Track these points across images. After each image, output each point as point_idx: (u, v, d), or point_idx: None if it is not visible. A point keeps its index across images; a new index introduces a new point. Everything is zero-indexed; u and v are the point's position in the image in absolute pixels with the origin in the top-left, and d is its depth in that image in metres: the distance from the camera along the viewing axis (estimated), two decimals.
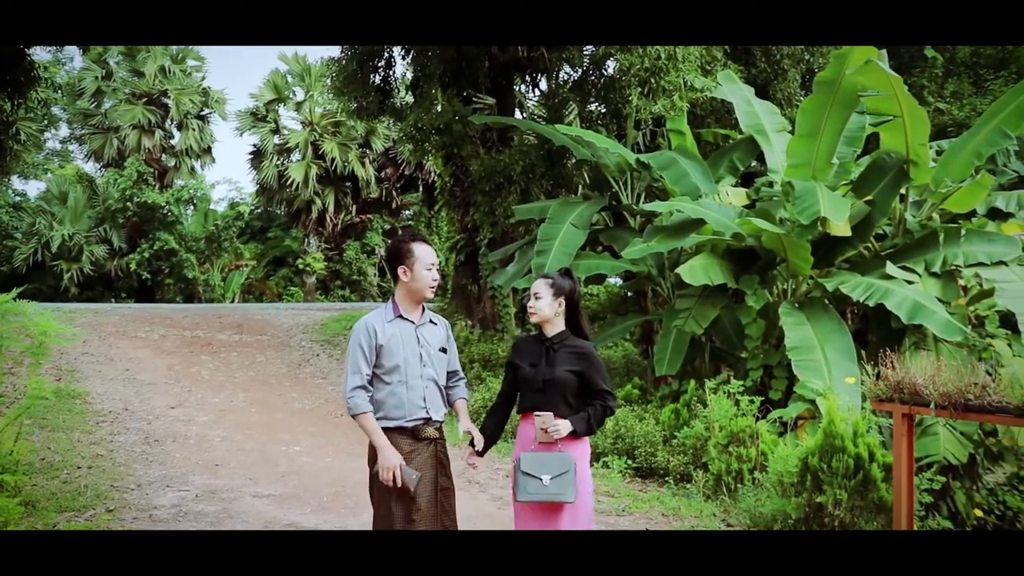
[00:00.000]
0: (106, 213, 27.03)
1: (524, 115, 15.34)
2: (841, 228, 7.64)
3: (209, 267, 28.51)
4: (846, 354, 7.08)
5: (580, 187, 12.28)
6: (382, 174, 28.58)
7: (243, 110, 28.71)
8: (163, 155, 29.09)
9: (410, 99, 14.63)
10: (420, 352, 3.66)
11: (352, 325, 3.73)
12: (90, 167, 30.36)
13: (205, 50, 30.51)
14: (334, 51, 15.28)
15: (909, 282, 7.38)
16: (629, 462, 7.67)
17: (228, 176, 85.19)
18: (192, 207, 29.29)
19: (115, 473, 6.96)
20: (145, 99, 28.09)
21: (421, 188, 27.33)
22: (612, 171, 10.45)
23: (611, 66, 12.21)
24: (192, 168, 29.81)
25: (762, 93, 11.86)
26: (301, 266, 29.00)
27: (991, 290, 7.31)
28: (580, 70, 13.32)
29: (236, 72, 62.12)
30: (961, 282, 7.75)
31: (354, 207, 29.36)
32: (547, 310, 3.78)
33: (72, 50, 29.94)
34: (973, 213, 8.59)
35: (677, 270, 8.07)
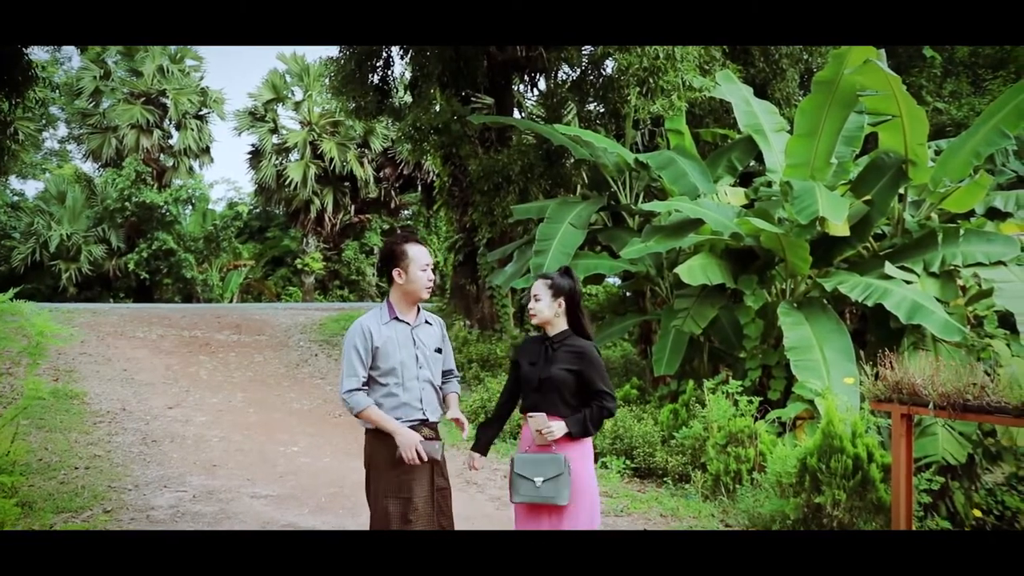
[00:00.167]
0: (104, 213, 27.00)
1: (523, 115, 15.33)
2: (840, 228, 7.64)
3: (207, 267, 28.49)
4: (845, 354, 7.08)
5: (579, 187, 12.27)
6: (381, 174, 28.57)
7: (241, 110, 28.72)
8: (161, 155, 29.06)
9: (408, 99, 14.63)
10: (416, 354, 3.65)
11: (350, 325, 3.71)
12: (88, 167, 30.39)
13: (203, 50, 30.53)
14: (332, 51, 15.32)
15: (908, 282, 7.38)
16: (627, 462, 7.66)
17: (226, 176, 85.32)
18: (190, 207, 29.27)
19: (112, 474, 6.95)
20: (143, 99, 28.06)
21: (420, 188, 27.33)
22: (611, 171, 10.45)
23: (610, 66, 12.21)
24: (190, 168, 29.79)
25: (760, 93, 11.86)
26: (299, 266, 28.99)
27: (990, 290, 7.31)
28: (579, 70, 13.32)
29: (234, 72, 62.17)
30: (960, 282, 7.75)
31: (353, 207, 29.36)
32: (546, 311, 3.77)
33: (70, 50, 29.99)
34: (972, 213, 8.59)
35: (675, 270, 8.06)
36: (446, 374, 3.84)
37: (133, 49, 28.00)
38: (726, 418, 6.91)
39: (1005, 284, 7.19)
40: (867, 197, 8.14)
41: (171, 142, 29.22)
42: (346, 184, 28.82)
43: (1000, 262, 7.42)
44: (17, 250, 26.02)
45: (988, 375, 4.13)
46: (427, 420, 3.66)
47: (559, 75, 14.05)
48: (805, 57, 13.82)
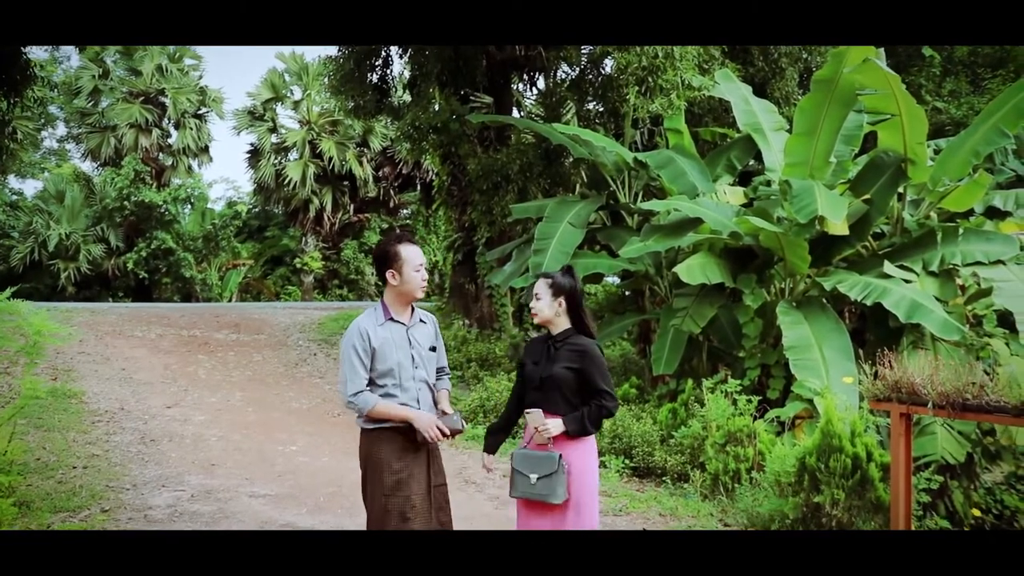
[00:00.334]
0: (103, 212, 26.98)
1: (522, 114, 15.32)
2: (839, 227, 7.63)
3: (206, 266, 28.48)
4: (844, 353, 7.07)
5: (577, 186, 12.27)
6: (380, 173, 28.55)
7: (240, 109, 28.71)
8: (160, 154, 29.03)
9: (407, 98, 14.63)
10: (412, 354, 3.65)
11: (349, 324, 3.70)
12: (87, 166, 30.35)
13: (202, 49, 30.49)
14: (331, 50, 15.29)
15: (907, 281, 7.37)
16: (626, 461, 7.65)
17: (225, 175, 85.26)
18: (189, 206, 29.25)
19: (110, 473, 6.94)
20: (142, 98, 28.03)
21: (419, 187, 27.30)
22: (610, 170, 10.44)
23: (609, 65, 12.20)
24: (189, 167, 29.75)
25: (760, 92, 11.85)
26: (299, 265, 28.97)
27: (989, 289, 7.30)
28: (578, 69, 13.32)
29: (233, 71, 62.11)
30: (959, 281, 7.75)
31: (352, 206, 29.35)
32: (547, 310, 3.76)
33: (69, 49, 29.92)
34: (971, 212, 8.58)
35: (675, 269, 8.05)
36: (438, 371, 3.84)
37: (132, 48, 27.96)
38: (725, 417, 6.90)
39: (1004, 283, 7.19)
40: (866, 196, 8.13)
41: (170, 141, 29.19)
42: (345, 183, 28.81)
43: (999, 261, 7.41)
44: (16, 249, 25.99)
45: (987, 374, 4.12)
46: None
47: (558, 74, 14.05)
48: (804, 56, 13.81)
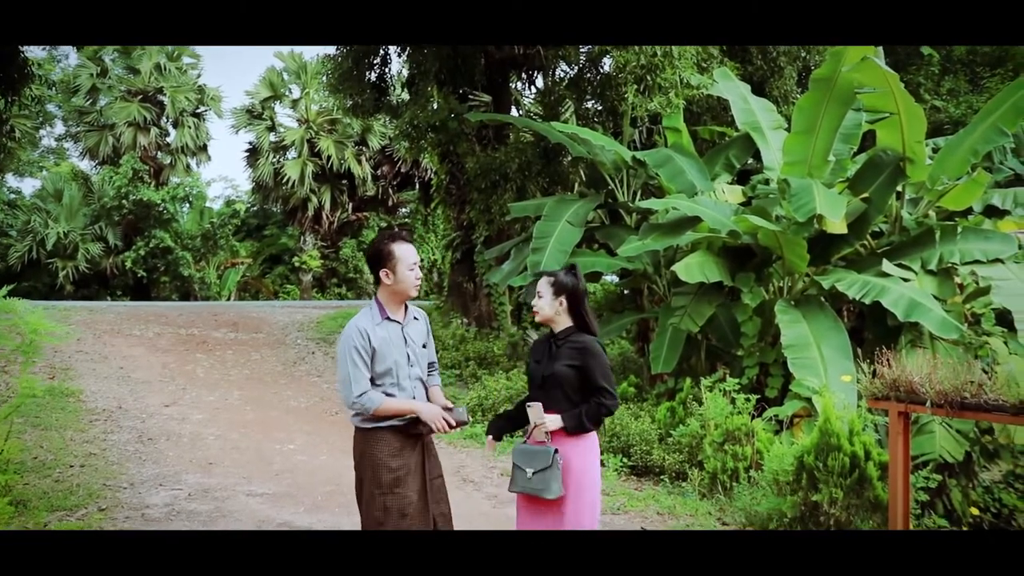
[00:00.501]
0: (101, 211, 26.95)
1: (520, 112, 15.30)
2: (837, 225, 7.62)
3: (205, 265, 28.45)
4: (842, 352, 7.07)
5: (576, 184, 12.25)
6: (378, 172, 28.54)
7: (239, 107, 28.69)
8: (159, 152, 29.00)
9: (406, 96, 14.61)
10: (408, 352, 3.66)
11: (346, 325, 3.69)
12: (85, 164, 30.33)
13: (201, 48, 30.46)
14: (330, 48, 15.26)
15: (905, 280, 7.36)
16: (625, 460, 7.65)
17: (224, 174, 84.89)
18: (188, 205, 29.23)
19: (108, 472, 6.92)
20: (140, 96, 28.00)
21: (417, 186, 27.28)
22: (608, 168, 10.43)
23: (607, 63, 12.18)
24: (188, 166, 29.73)
25: (758, 90, 11.84)
26: (297, 264, 28.95)
27: (987, 288, 7.29)
28: (576, 67, 13.30)
29: (232, 69, 62.06)
30: (957, 280, 7.74)
31: (350, 205, 29.33)
32: (548, 309, 3.76)
33: (67, 47, 29.89)
34: (969, 211, 8.57)
35: (673, 268, 8.04)
36: (429, 366, 3.85)
37: (130, 47, 27.93)
38: (723, 416, 6.90)
39: (1003, 282, 7.18)
40: (865, 195, 8.12)
41: (168, 140, 29.16)
42: (344, 182, 28.79)
43: (998, 260, 7.40)
44: (14, 248, 25.96)
45: (985, 373, 4.11)
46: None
47: (557, 73, 14.04)
48: (803, 55, 13.81)
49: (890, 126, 7.94)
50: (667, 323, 8.36)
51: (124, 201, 26.50)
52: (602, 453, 7.61)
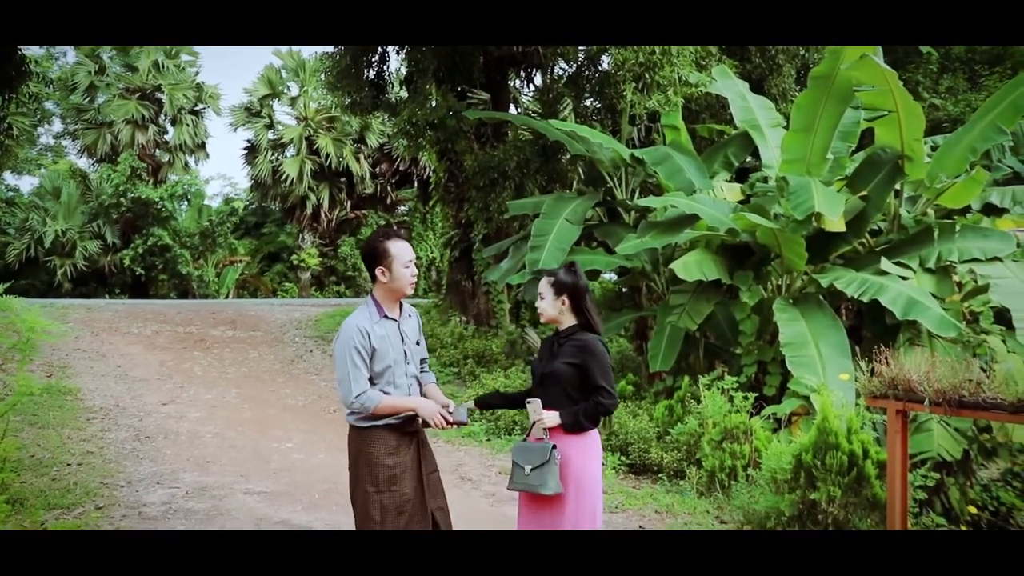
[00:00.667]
0: (99, 209, 26.92)
1: (519, 110, 15.28)
2: (836, 224, 7.61)
3: (203, 263, 28.42)
4: (840, 350, 7.06)
5: (574, 182, 12.24)
6: (377, 170, 28.52)
7: (237, 105, 28.70)
8: (157, 150, 28.97)
9: (404, 94, 14.59)
10: (404, 350, 3.65)
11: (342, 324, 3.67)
12: (83, 162, 30.30)
13: (199, 46, 30.40)
14: (328, 46, 15.25)
15: (904, 278, 7.36)
16: (623, 458, 7.64)
17: (222, 172, 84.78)
18: (186, 203, 29.19)
19: (105, 470, 6.91)
20: (138, 94, 27.96)
21: (416, 184, 27.28)
22: (606, 166, 10.41)
23: (606, 61, 12.16)
24: (186, 163, 29.70)
25: (757, 88, 11.84)
26: (296, 262, 28.94)
27: (986, 286, 7.29)
28: (575, 65, 13.28)
29: (230, 67, 61.98)
30: (956, 278, 7.74)
31: (349, 203, 29.30)
32: (551, 309, 3.76)
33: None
34: (968, 209, 8.57)
35: (671, 266, 8.03)
36: (420, 362, 3.84)
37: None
38: (721, 414, 6.89)
39: (1001, 280, 7.17)
40: (863, 193, 8.12)
41: (166, 138, 29.13)
42: (342, 180, 28.77)
43: (996, 258, 7.40)
44: (12, 246, 25.93)
45: (984, 371, 4.10)
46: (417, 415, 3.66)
47: (555, 71, 14.02)
48: (802, 53, 13.80)
49: (889, 124, 7.93)
50: (665, 321, 8.35)
51: (122, 199, 26.47)
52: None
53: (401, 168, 27.33)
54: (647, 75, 10.34)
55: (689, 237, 8.42)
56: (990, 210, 8.60)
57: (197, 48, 30.03)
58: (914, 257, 7.72)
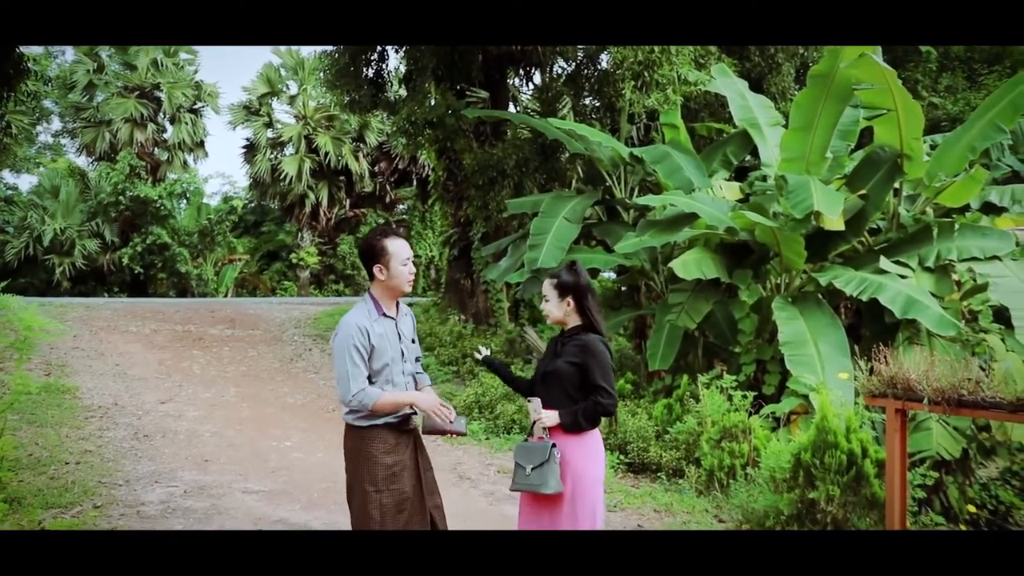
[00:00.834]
0: (98, 207, 26.88)
1: (518, 109, 15.29)
2: (835, 222, 7.61)
3: (202, 261, 28.39)
4: (839, 349, 7.06)
5: (573, 181, 12.23)
6: (376, 168, 28.49)
7: (236, 104, 28.63)
8: (155, 149, 28.93)
9: (403, 92, 14.58)
10: (401, 348, 3.65)
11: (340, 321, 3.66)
12: (82, 161, 30.24)
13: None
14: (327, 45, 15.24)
15: (903, 277, 7.35)
16: (621, 457, 7.64)
17: (221, 170, 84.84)
18: (185, 201, 29.15)
19: (103, 469, 6.90)
20: (137, 92, 27.92)
21: (415, 182, 27.26)
22: (605, 165, 10.41)
23: (605, 60, 12.16)
24: (185, 162, 29.65)
25: (756, 87, 11.84)
26: (295, 260, 28.92)
27: (985, 285, 7.29)
28: (574, 64, 13.27)
29: (229, 65, 61.91)
30: (955, 277, 7.73)
31: (348, 201, 29.28)
32: (556, 311, 3.76)
33: None
34: (967, 208, 8.57)
35: (670, 264, 8.03)
36: (415, 361, 3.83)
37: None
38: (720, 413, 6.89)
39: (1000, 279, 7.17)
40: (862, 191, 8.11)
41: (165, 136, 29.09)
42: (341, 178, 28.74)
43: (995, 257, 7.39)
44: (10, 244, 25.89)
45: (983, 370, 4.10)
46: (414, 412, 3.69)
47: (554, 69, 14.01)
48: (801, 51, 13.80)
49: (888, 123, 7.93)
50: (664, 320, 8.35)
51: (121, 197, 26.44)
52: None
53: (400, 167, 27.31)
54: (646, 73, 10.33)
55: (688, 236, 8.42)
56: (989, 209, 8.59)
57: (196, 47, 30.03)
58: (913, 256, 7.72)
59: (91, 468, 6.89)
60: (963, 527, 6.25)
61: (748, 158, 10.89)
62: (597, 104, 12.75)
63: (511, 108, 14.74)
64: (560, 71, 13.97)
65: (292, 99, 28.72)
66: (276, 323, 15.62)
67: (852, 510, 5.29)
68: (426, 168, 22.99)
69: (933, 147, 8.74)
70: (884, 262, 7.50)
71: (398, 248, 3.59)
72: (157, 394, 9.95)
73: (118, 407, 9.18)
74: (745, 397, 6.95)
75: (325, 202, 28.33)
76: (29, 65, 14.12)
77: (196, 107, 29.50)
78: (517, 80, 15.17)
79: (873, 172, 8.12)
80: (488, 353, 4.15)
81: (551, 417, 3.59)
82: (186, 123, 28.71)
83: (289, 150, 28.13)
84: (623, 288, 10.84)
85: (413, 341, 3.77)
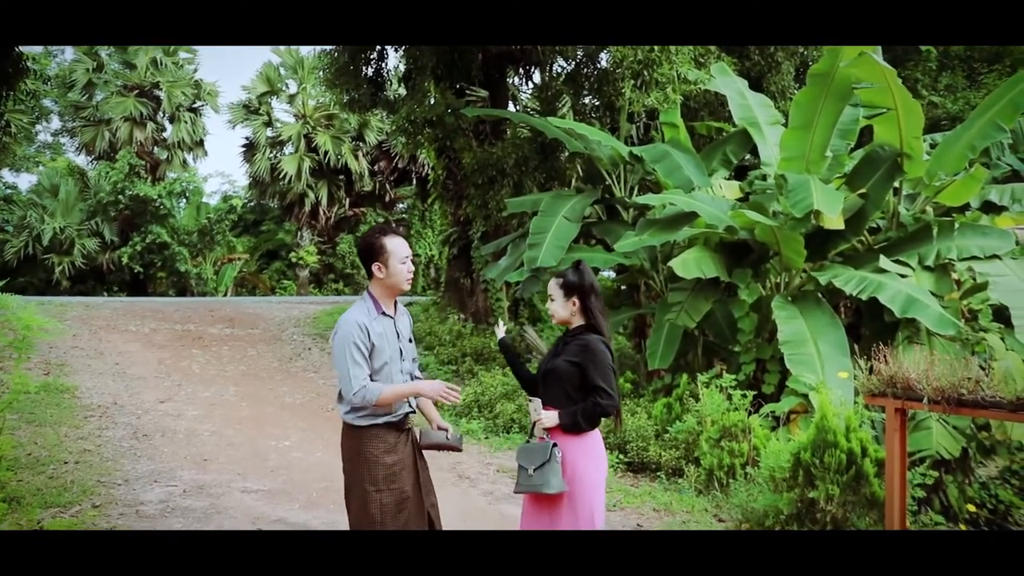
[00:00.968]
0: (98, 206, 26.86)
1: (517, 108, 15.27)
2: (834, 221, 7.61)
3: (202, 260, 28.36)
4: (839, 348, 7.05)
5: (573, 180, 12.22)
6: (375, 167, 28.47)
7: (235, 103, 28.58)
8: (155, 148, 28.90)
9: (403, 91, 14.57)
10: (399, 347, 3.64)
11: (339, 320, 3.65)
12: (81, 160, 30.19)
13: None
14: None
15: (902, 276, 7.35)
16: (621, 456, 7.64)
17: (220, 169, 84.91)
18: (184, 200, 29.11)
19: (102, 468, 6.89)
20: (137, 91, 27.90)
21: (415, 181, 27.24)
22: (605, 164, 10.40)
23: (604, 59, 12.15)
24: (184, 161, 29.62)
25: (756, 86, 11.83)
26: (294, 259, 28.90)
27: (984, 284, 7.29)
28: (573, 63, 13.26)
29: (228, 64, 61.89)
30: (954, 276, 7.73)
31: (347, 200, 29.25)
32: (561, 311, 3.76)
33: None
34: (967, 207, 8.56)
35: (670, 263, 8.03)
36: (412, 361, 3.83)
37: None
38: (720, 412, 6.88)
39: (1000, 278, 7.17)
40: (862, 190, 8.10)
41: (165, 135, 29.06)
42: (341, 177, 28.72)
43: (995, 256, 7.39)
44: (10, 243, 25.87)
45: (982, 369, 4.09)
46: (413, 411, 3.71)
47: (554, 68, 13.99)
48: (800, 50, 13.79)
49: (887, 122, 7.92)
50: (664, 319, 8.34)
51: (120, 196, 26.42)
52: None
53: (400, 166, 27.30)
54: (646, 72, 10.33)
55: (688, 235, 8.41)
56: (989, 208, 8.58)
57: (195, 46, 29.99)
58: (913, 255, 7.72)
59: (90, 467, 6.89)
60: (963, 526, 6.24)
61: (748, 157, 10.88)
62: (597, 103, 12.72)
63: (510, 107, 14.72)
64: (560, 70, 13.95)
65: (291, 98, 28.70)
66: (275, 322, 15.61)
67: (852, 509, 5.29)
68: (426, 167, 22.99)
69: (933, 146, 8.74)
70: (884, 261, 7.50)
71: (397, 246, 3.59)
72: (156, 393, 9.95)
73: (117, 406, 9.18)
74: (745, 396, 6.94)
75: (324, 201, 28.31)
76: (28, 64, 14.13)
77: (195, 106, 29.48)
78: (517, 79, 15.16)
79: (873, 171, 8.11)
80: (504, 335, 4.13)
81: (550, 418, 3.59)
82: (185, 122, 28.68)
83: (288, 149, 28.10)
84: (622, 287, 10.83)
85: (410, 341, 3.77)
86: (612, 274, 11.88)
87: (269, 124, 28.29)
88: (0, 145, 18.42)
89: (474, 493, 6.81)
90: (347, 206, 29.27)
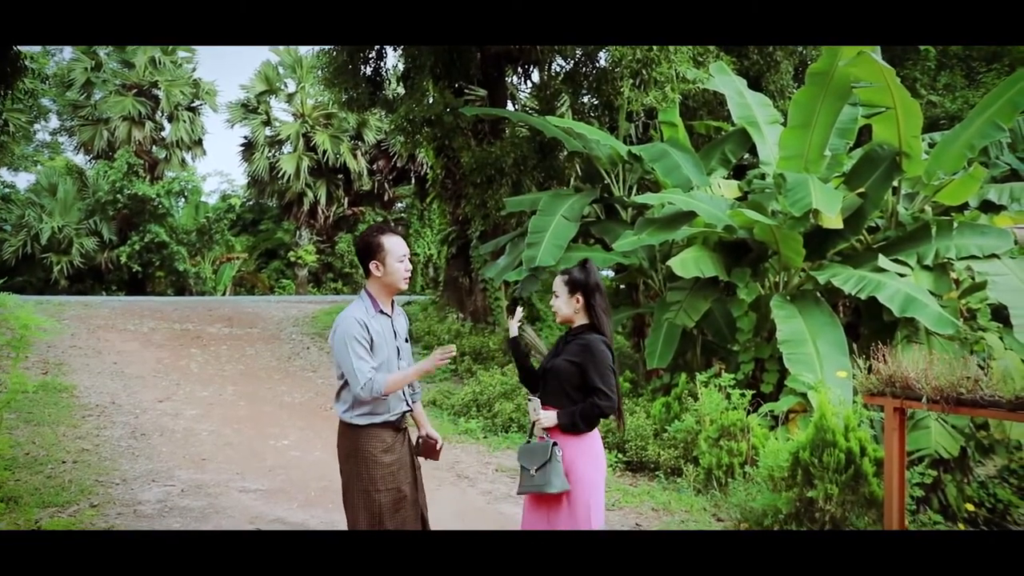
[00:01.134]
0: (96, 205, 26.83)
1: (516, 107, 15.26)
2: (833, 220, 7.60)
3: (200, 260, 28.34)
4: (838, 347, 7.05)
5: (572, 179, 12.22)
6: (374, 166, 28.45)
7: (234, 102, 28.55)
8: (153, 147, 28.86)
9: (401, 91, 14.56)
10: (397, 346, 3.64)
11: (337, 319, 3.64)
12: (80, 159, 30.15)
13: None
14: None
15: (901, 275, 7.35)
16: (620, 456, 7.63)
17: (219, 168, 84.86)
18: (183, 199, 29.08)
19: (100, 468, 6.88)
20: (135, 90, 27.87)
21: (413, 180, 27.22)
22: (604, 163, 10.40)
23: (603, 58, 12.15)
24: (183, 160, 29.59)
25: (754, 85, 11.83)
26: (293, 259, 28.88)
27: (983, 283, 7.29)
28: (572, 62, 13.25)
29: (227, 64, 61.83)
30: (953, 275, 7.73)
31: (346, 199, 29.23)
32: (565, 308, 3.74)
33: None
34: (965, 206, 8.56)
35: (668, 263, 8.02)
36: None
37: None
38: (718, 411, 6.88)
39: (999, 277, 7.17)
40: (861, 190, 8.10)
41: (163, 134, 29.04)
42: (339, 176, 28.70)
43: (994, 255, 7.40)
44: (8, 243, 25.84)
45: (981, 368, 4.09)
46: (410, 408, 3.73)
47: (553, 67, 13.99)
48: (799, 49, 13.79)
49: (886, 121, 7.92)
50: (662, 318, 8.34)
51: (119, 196, 26.39)
52: None
53: (398, 165, 27.27)
54: (644, 72, 10.33)
55: (686, 234, 8.41)
56: (988, 207, 8.59)
57: (194, 45, 29.96)
58: (912, 254, 7.72)
59: (88, 467, 6.87)
60: (961, 525, 6.25)
61: (747, 156, 10.88)
62: (595, 102, 12.73)
63: (509, 106, 14.71)
64: (558, 69, 13.95)
65: (290, 97, 28.67)
66: (274, 321, 15.60)
67: (850, 509, 5.29)
68: (424, 166, 22.97)
69: (932, 145, 8.74)
70: (883, 260, 7.50)
71: (394, 245, 3.58)
72: (155, 393, 9.93)
73: (115, 406, 9.16)
74: (743, 395, 6.94)
75: (323, 200, 28.29)
76: (27, 63, 14.11)
77: (194, 105, 29.45)
78: (515, 78, 15.15)
79: (872, 170, 8.11)
80: (518, 332, 3.97)
81: (549, 418, 3.58)
82: (184, 121, 28.65)
83: (287, 148, 28.08)
84: (621, 286, 10.83)
85: (407, 340, 3.77)
86: (611, 273, 11.87)
87: (268, 123, 28.27)
88: None
89: (473, 492, 6.80)
90: (346, 205, 29.26)
